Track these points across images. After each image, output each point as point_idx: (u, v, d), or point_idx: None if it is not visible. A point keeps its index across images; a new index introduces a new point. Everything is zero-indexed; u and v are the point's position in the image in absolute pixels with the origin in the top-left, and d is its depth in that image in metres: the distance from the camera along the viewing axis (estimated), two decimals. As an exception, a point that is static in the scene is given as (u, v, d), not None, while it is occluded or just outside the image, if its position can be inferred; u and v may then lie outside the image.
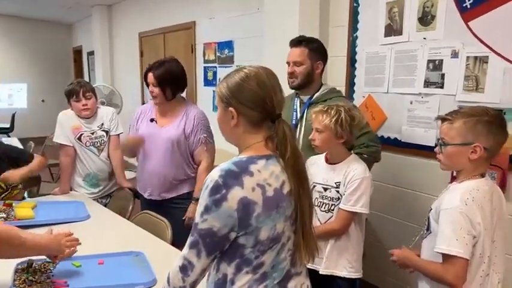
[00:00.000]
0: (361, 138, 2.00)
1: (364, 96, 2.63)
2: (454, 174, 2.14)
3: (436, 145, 1.47)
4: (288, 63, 2.08)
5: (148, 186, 2.34)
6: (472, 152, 1.32)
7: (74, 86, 2.49)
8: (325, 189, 1.79)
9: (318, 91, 2.11)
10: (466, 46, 2.07)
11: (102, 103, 5.85)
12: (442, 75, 2.19)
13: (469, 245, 1.26)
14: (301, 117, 2.09)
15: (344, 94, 2.73)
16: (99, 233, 1.97)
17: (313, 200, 1.83)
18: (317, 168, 1.83)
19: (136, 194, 2.49)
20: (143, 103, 5.85)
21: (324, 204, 1.79)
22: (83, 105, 2.46)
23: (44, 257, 1.54)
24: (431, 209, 1.44)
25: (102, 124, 2.55)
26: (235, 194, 0.98)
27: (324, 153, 1.85)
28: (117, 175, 2.58)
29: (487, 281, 1.34)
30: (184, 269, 1.02)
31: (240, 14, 3.82)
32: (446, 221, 1.29)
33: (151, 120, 2.34)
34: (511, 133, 1.83)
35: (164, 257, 1.72)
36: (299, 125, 2.08)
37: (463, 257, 1.25)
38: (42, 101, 9.02)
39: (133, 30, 5.88)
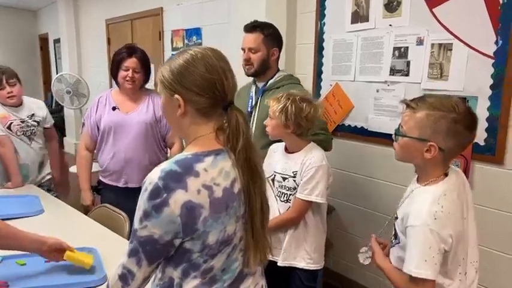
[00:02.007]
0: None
1: (331, 85, 2.59)
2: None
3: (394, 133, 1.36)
4: (243, 49, 2.02)
5: (124, 174, 2.25)
6: (426, 150, 1.20)
7: None
8: (284, 179, 1.75)
9: (273, 78, 2.06)
10: (431, 33, 2.05)
11: (68, 92, 5.66)
12: (408, 63, 2.16)
13: (438, 264, 1.18)
14: (255, 104, 2.04)
15: (312, 82, 2.70)
16: (52, 228, 1.85)
17: (275, 190, 1.78)
18: (277, 157, 1.78)
19: (97, 188, 2.38)
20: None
21: (283, 194, 1.75)
22: (8, 92, 2.37)
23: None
24: (396, 217, 1.34)
25: (33, 115, 2.50)
26: (178, 198, 0.88)
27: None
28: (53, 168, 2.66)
29: (465, 276, 1.29)
30: (124, 278, 0.93)
31: (207, 0, 3.70)
32: (415, 241, 1.19)
33: (114, 108, 2.24)
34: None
35: (119, 253, 1.63)
36: (253, 113, 2.03)
37: (431, 279, 1.18)
38: None
39: (100, 17, 5.66)
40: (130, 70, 2.18)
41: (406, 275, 1.21)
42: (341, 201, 2.61)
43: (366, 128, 2.42)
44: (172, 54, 4.24)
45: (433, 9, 2.03)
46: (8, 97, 2.37)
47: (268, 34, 2.02)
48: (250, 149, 0.97)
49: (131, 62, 2.18)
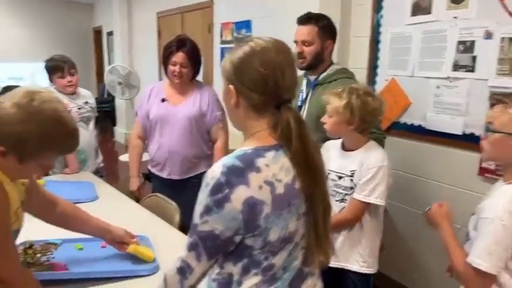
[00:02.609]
0: None
1: (387, 80, 2.48)
2: (485, 166, 2.00)
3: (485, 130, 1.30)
4: (296, 42, 1.97)
5: (168, 166, 2.29)
6: None
7: (58, 61, 2.47)
8: (339, 178, 1.68)
9: (325, 71, 2.00)
10: (501, 26, 1.90)
11: (120, 83, 5.85)
12: (473, 58, 2.02)
13: (502, 261, 1.14)
14: (305, 98, 1.98)
15: (366, 76, 2.61)
16: (106, 215, 1.88)
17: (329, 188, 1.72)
18: (332, 155, 1.72)
19: (148, 176, 2.45)
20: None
21: (338, 194, 1.69)
22: (68, 81, 2.47)
23: (46, 238, 1.50)
24: (472, 214, 1.31)
25: (87, 102, 2.61)
26: (240, 194, 0.86)
27: (341, 138, 1.74)
28: None
29: None
30: (183, 271, 0.93)
31: (259, -8, 3.67)
32: (484, 232, 1.16)
33: (163, 100, 2.27)
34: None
35: (170, 243, 1.66)
36: (303, 107, 1.98)
37: (492, 273, 1.14)
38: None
39: (151, 10, 5.79)
40: (178, 65, 2.18)
41: (468, 265, 1.19)
42: (393, 203, 2.50)
43: (423, 126, 2.30)
44: (221, 48, 4.27)
45: (504, 1, 1.88)
46: (67, 86, 2.48)
47: (322, 26, 1.96)
48: (307, 149, 0.92)
49: (179, 57, 2.18)
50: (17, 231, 1.15)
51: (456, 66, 2.10)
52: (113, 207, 2.03)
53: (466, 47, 2.05)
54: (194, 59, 2.23)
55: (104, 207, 2.01)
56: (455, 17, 2.09)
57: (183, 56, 2.17)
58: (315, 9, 2.53)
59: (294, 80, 0.95)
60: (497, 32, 1.92)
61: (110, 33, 7.54)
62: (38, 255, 1.39)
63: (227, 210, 0.86)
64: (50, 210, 1.34)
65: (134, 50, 6.70)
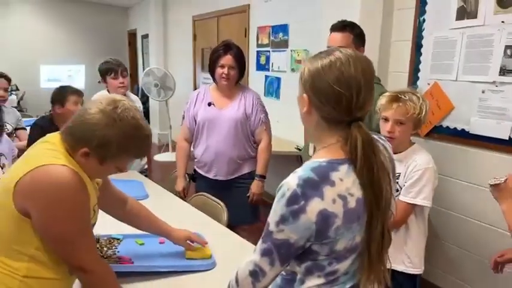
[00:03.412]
0: None
1: (429, 84, 2.48)
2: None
3: None
4: None
5: (214, 167, 2.38)
6: None
7: (111, 64, 2.66)
8: None
9: None
10: (552, 30, 1.89)
11: (156, 85, 6.01)
12: (522, 63, 2.01)
13: None
14: None
15: (407, 80, 2.62)
16: (158, 213, 1.97)
17: None
18: None
19: (193, 177, 2.53)
20: (195, 87, 5.93)
21: None
22: (120, 82, 2.62)
23: (109, 233, 1.60)
24: None
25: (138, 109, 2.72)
26: (315, 206, 0.89)
27: None
28: None
29: None
30: (256, 274, 0.97)
31: (297, -3, 3.72)
32: None
33: (209, 104, 2.35)
34: None
35: (221, 240, 1.74)
36: None
37: None
38: (99, 82, 9.27)
39: (187, 13, 5.93)
40: (226, 67, 2.28)
41: None
42: (435, 207, 2.50)
43: (467, 130, 2.29)
44: (257, 51, 4.34)
45: (557, 5, 1.86)
46: (119, 87, 2.63)
47: (357, 34, 2.04)
48: (371, 169, 0.92)
49: (227, 60, 2.28)
50: (93, 226, 1.25)
51: (503, 71, 2.09)
52: (164, 205, 2.13)
53: (514, 51, 2.04)
54: (240, 61, 2.33)
55: (155, 205, 2.08)
56: (503, 22, 2.08)
57: (231, 58, 2.28)
58: (356, 14, 2.57)
59: (369, 98, 0.94)
60: (547, 36, 1.91)
61: (145, 36, 7.76)
62: (105, 249, 1.50)
63: (302, 221, 0.89)
64: (120, 208, 1.45)
65: (169, 53, 6.87)
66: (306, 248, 0.94)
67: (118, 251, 1.50)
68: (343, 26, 2.05)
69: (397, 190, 1.69)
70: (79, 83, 9.46)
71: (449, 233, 2.47)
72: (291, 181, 0.91)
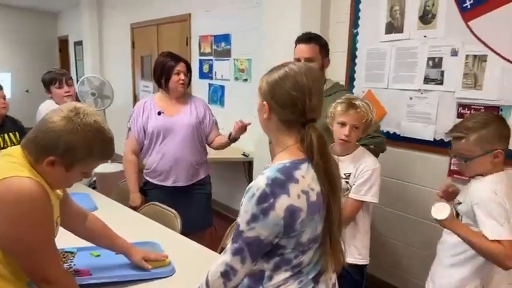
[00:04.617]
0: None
1: (363, 92, 2.70)
2: (452, 168, 2.25)
3: (451, 156, 1.73)
4: (299, 59, 2.13)
5: (172, 174, 2.39)
6: (494, 157, 1.46)
7: (55, 73, 2.61)
8: None
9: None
10: (466, 45, 2.16)
11: (93, 94, 5.80)
12: (442, 73, 2.28)
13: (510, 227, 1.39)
14: None
15: (346, 88, 2.81)
16: (110, 224, 1.98)
17: None
18: None
19: (143, 190, 2.49)
20: (134, 95, 5.81)
21: None
22: (66, 92, 2.59)
23: (63, 246, 1.57)
24: (459, 203, 1.55)
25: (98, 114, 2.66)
26: (283, 203, 0.99)
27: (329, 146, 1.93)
28: None
29: None
30: (227, 274, 1.04)
31: (237, 8, 3.83)
32: (485, 213, 1.40)
33: (159, 113, 2.37)
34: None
35: (178, 246, 1.77)
36: None
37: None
38: (27, 91, 8.82)
39: (124, 21, 5.81)
40: (182, 73, 2.35)
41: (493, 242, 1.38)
42: (377, 205, 2.71)
43: (398, 133, 2.53)
44: (200, 60, 4.39)
45: (468, 23, 2.14)
46: (65, 96, 2.57)
47: (322, 45, 2.15)
48: (326, 163, 1.05)
49: (182, 66, 2.36)
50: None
51: (427, 80, 2.35)
52: (115, 217, 2.08)
53: (435, 63, 2.30)
54: (189, 68, 2.43)
55: (106, 216, 2.05)
56: (425, 36, 2.34)
57: (184, 65, 2.38)
58: (296, 26, 2.73)
59: (320, 102, 1.09)
60: (462, 50, 2.18)
61: (78, 43, 7.45)
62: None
63: (272, 218, 0.99)
64: (79, 223, 1.43)
65: (105, 61, 6.66)
66: (274, 243, 1.04)
67: (74, 264, 1.48)
68: (309, 38, 2.15)
69: (347, 189, 1.84)
70: (5, 92, 8.81)
71: (387, 228, 2.69)
72: (260, 182, 1.01)
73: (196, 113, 2.41)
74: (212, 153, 2.63)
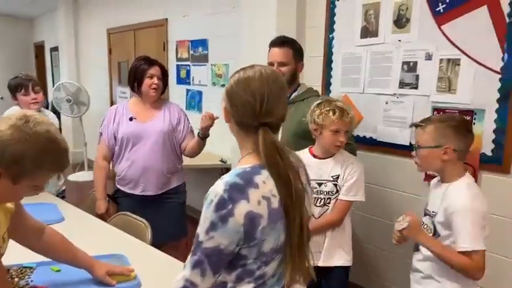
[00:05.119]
0: None
1: (340, 96, 2.67)
2: (429, 173, 2.24)
3: (412, 148, 1.63)
4: (272, 63, 2.09)
5: (141, 182, 2.30)
6: (443, 153, 1.47)
7: (21, 79, 2.47)
8: (320, 184, 1.85)
9: (295, 91, 2.14)
10: (440, 49, 2.15)
11: (68, 101, 5.66)
12: (417, 77, 2.27)
13: (483, 237, 1.38)
14: None
15: (320, 93, 2.78)
16: (76, 235, 1.88)
17: None
18: (306, 165, 1.84)
19: (114, 197, 2.42)
20: (111, 101, 5.69)
21: (319, 199, 1.85)
22: (33, 99, 2.46)
23: (21, 262, 1.48)
24: (434, 213, 1.53)
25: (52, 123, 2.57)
26: (242, 209, 0.94)
27: (307, 149, 1.92)
28: None
29: None
30: None
31: (214, 13, 3.79)
32: (462, 221, 1.39)
33: (131, 119, 2.29)
34: (478, 133, 1.96)
35: (146, 260, 1.69)
36: None
37: (484, 250, 1.37)
38: (1, 98, 8.58)
39: (101, 26, 5.70)
40: (155, 77, 2.27)
41: (462, 256, 1.38)
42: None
43: (374, 138, 2.51)
44: (177, 65, 4.32)
45: (442, 27, 2.14)
46: (32, 103, 2.45)
47: (296, 49, 2.12)
48: (279, 167, 0.99)
49: (155, 70, 2.28)
50: (1, 256, 1.15)
51: (402, 84, 2.34)
52: (82, 228, 2.01)
53: (410, 67, 2.29)
54: (165, 73, 2.35)
55: (72, 228, 1.97)
56: (399, 40, 2.33)
57: (158, 69, 2.29)
58: (272, 31, 2.69)
59: (278, 106, 1.03)
60: (436, 53, 2.17)
61: (54, 49, 7.28)
62: (16, 279, 1.37)
63: (231, 225, 0.94)
64: (36, 238, 1.34)
65: (82, 66, 6.53)
66: (235, 253, 0.97)
67: (32, 280, 1.39)
68: (282, 42, 2.12)
69: (337, 191, 1.84)
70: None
71: (361, 233, 2.66)
72: (218, 187, 0.96)
73: (169, 119, 2.33)
74: (189, 160, 2.55)
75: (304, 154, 1.89)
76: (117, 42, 5.42)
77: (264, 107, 1.01)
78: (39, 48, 8.52)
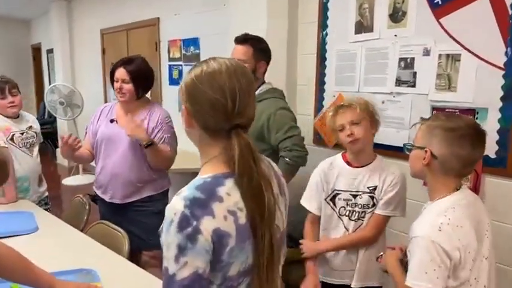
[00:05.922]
0: (286, 142, 1.97)
1: (334, 96, 2.54)
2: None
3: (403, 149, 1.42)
4: None
5: (110, 189, 2.17)
6: (424, 157, 1.22)
7: None
8: (355, 196, 1.67)
9: (256, 90, 2.05)
10: (438, 43, 2.01)
11: (61, 103, 5.57)
12: (414, 74, 2.12)
13: (441, 278, 1.12)
14: None
15: (314, 93, 2.65)
16: (48, 246, 1.78)
17: (339, 209, 1.69)
18: (339, 174, 1.70)
19: (94, 199, 2.31)
20: (106, 102, 5.58)
21: (354, 212, 1.68)
22: (10, 102, 2.33)
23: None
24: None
25: (31, 127, 2.47)
26: (208, 225, 0.80)
27: (339, 155, 1.75)
28: None
29: None
30: None
31: (205, 10, 3.67)
32: (416, 251, 1.16)
33: (111, 121, 2.17)
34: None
35: (119, 275, 1.57)
36: None
37: None
38: None
39: (94, 27, 5.59)
40: (119, 81, 2.11)
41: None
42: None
43: (371, 140, 2.36)
44: (169, 65, 4.20)
45: (440, 20, 1.99)
46: (9, 107, 2.33)
47: (257, 48, 2.05)
48: (252, 178, 0.85)
49: (120, 73, 2.11)
50: None
51: (399, 82, 2.19)
52: (55, 239, 1.89)
53: (407, 63, 2.14)
54: (135, 74, 2.11)
55: (45, 239, 1.87)
56: (395, 35, 2.18)
57: (124, 72, 2.10)
58: (263, 28, 2.56)
59: (246, 104, 0.89)
60: (434, 49, 2.02)
61: (50, 51, 7.19)
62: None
63: (201, 243, 0.79)
64: None
65: (76, 68, 6.43)
66: None
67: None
68: (245, 39, 2.05)
69: (374, 205, 1.66)
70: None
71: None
72: (177, 204, 0.82)
73: (147, 125, 2.14)
74: (178, 164, 2.33)
75: (337, 160, 1.74)
76: (111, 42, 5.31)
77: (237, 107, 0.86)
78: (36, 51, 8.42)
